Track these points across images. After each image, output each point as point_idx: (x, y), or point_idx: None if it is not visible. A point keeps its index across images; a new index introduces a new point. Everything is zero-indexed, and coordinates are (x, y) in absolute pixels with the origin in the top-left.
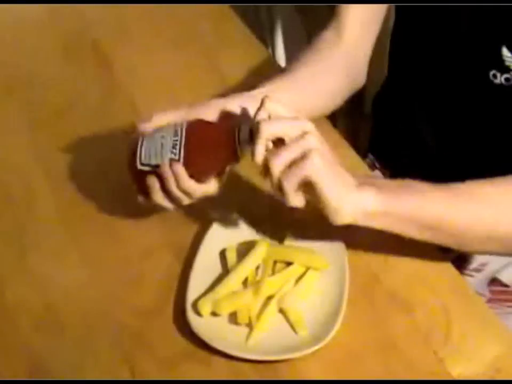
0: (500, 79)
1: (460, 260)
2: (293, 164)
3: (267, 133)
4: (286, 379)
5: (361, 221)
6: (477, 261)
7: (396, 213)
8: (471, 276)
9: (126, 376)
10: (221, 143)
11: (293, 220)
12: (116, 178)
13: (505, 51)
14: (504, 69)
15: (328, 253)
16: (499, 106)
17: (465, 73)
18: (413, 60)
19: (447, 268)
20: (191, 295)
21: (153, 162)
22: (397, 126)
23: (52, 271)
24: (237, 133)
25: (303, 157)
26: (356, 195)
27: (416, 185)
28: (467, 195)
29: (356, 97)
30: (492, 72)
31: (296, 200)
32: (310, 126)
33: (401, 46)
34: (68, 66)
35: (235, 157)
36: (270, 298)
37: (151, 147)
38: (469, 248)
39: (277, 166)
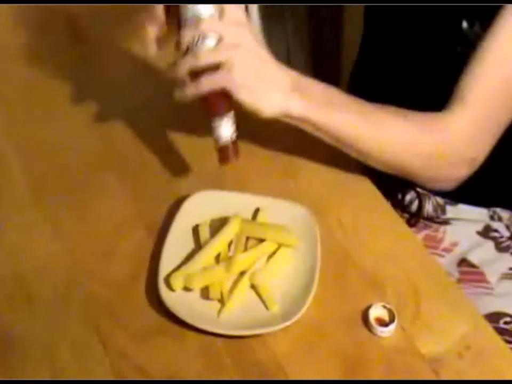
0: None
1: (430, 239)
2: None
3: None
4: (256, 353)
5: (282, 118)
6: (447, 241)
7: (313, 121)
8: (441, 256)
9: (98, 349)
10: None
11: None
12: (88, 151)
13: (465, 25)
14: (467, 43)
15: (300, 230)
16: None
17: (431, 50)
18: (382, 40)
19: (418, 247)
20: (163, 269)
21: None
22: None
23: (23, 243)
24: None
25: (225, 65)
26: (280, 96)
27: (340, 100)
28: (379, 124)
29: (331, 77)
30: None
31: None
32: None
33: (371, 27)
34: (42, 40)
35: None
36: (242, 274)
37: None
38: (370, 163)
39: (187, 65)
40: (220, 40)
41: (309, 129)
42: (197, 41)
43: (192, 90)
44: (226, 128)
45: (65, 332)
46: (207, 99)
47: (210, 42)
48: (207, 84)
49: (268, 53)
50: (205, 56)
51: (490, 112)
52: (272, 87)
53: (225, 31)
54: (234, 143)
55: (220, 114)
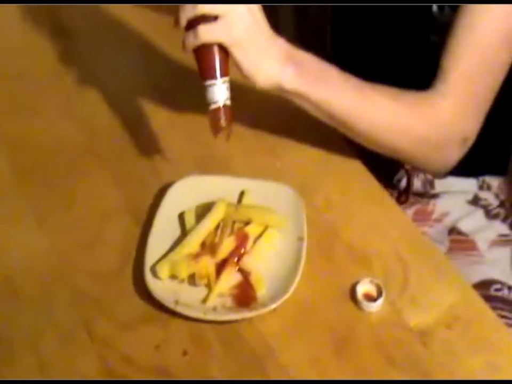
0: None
1: (420, 213)
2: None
3: None
4: (246, 337)
5: (276, 92)
6: (437, 212)
7: (307, 97)
8: (431, 226)
9: (84, 338)
10: None
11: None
12: (71, 141)
13: (435, 9)
14: (438, 28)
15: (286, 210)
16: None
17: (403, 37)
18: (354, 31)
19: (404, 219)
20: (150, 258)
21: None
22: None
23: (7, 237)
24: None
25: (225, 18)
26: (275, 69)
27: (335, 77)
28: (371, 104)
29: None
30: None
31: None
32: None
33: (341, 18)
34: (25, 35)
35: None
36: (228, 258)
37: None
38: (361, 142)
39: (187, 12)
40: None
41: (301, 103)
42: None
43: (190, 39)
44: (221, 91)
45: (51, 324)
46: (203, 57)
47: None
48: (204, 32)
49: (266, 21)
50: (204, 5)
51: (475, 90)
52: (268, 54)
53: None
54: (227, 108)
55: (216, 75)
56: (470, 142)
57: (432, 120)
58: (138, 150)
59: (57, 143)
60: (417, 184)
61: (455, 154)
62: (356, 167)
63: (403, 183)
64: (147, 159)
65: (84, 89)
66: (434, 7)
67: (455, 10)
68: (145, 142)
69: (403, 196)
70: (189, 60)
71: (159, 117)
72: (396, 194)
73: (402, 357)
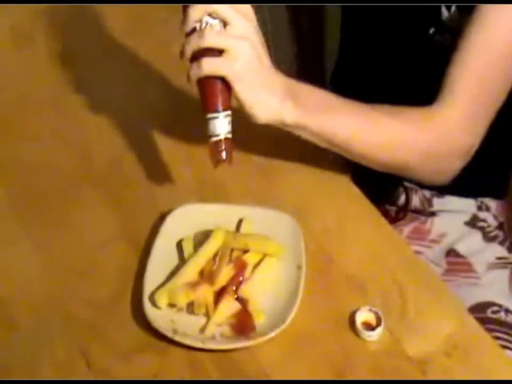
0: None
1: (417, 231)
2: (215, 56)
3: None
4: (244, 366)
5: (277, 125)
6: (435, 232)
7: (309, 128)
8: (429, 247)
9: (82, 368)
10: None
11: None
12: (69, 167)
13: (443, 10)
14: (444, 28)
15: (284, 238)
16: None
17: (411, 39)
18: (361, 33)
19: (402, 246)
20: (148, 286)
21: None
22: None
23: (3, 264)
24: None
25: (229, 53)
26: (275, 104)
27: (335, 105)
28: (374, 125)
29: (315, 75)
30: (431, 30)
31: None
32: (251, 14)
33: (350, 20)
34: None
35: None
36: (227, 287)
37: None
38: (366, 164)
39: (192, 45)
40: (226, 27)
41: (303, 135)
42: (203, 25)
43: (194, 70)
44: (222, 125)
45: (48, 353)
46: (206, 89)
47: (216, 27)
48: (208, 65)
49: (267, 55)
50: (211, 37)
51: (480, 102)
52: (269, 90)
53: (235, 19)
54: (228, 141)
55: (218, 108)
56: (472, 152)
57: (436, 131)
58: (136, 177)
59: (52, 169)
60: (415, 201)
61: (457, 165)
62: (352, 191)
63: (401, 200)
64: (144, 187)
65: (79, 114)
66: (443, 8)
67: (462, 11)
68: (143, 169)
69: (401, 213)
70: (188, 88)
71: (157, 144)
72: (394, 211)
73: None
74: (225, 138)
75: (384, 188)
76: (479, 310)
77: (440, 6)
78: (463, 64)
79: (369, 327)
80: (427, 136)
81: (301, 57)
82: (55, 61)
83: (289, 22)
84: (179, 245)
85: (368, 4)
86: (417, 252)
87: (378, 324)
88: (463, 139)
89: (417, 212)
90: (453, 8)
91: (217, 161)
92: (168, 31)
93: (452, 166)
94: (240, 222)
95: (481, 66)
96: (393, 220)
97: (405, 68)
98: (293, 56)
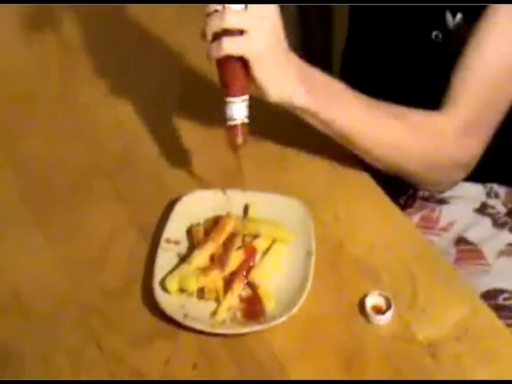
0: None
1: (426, 219)
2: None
3: None
4: (255, 351)
5: (286, 107)
6: (444, 220)
7: (316, 115)
8: (438, 235)
9: (95, 355)
10: None
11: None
12: (79, 160)
13: (448, 16)
14: (447, 31)
15: (294, 224)
16: (442, 67)
17: (411, 34)
18: (367, 32)
19: (411, 231)
20: (158, 272)
21: None
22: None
23: (17, 256)
24: None
25: (249, 32)
26: (288, 86)
27: (344, 96)
28: (380, 124)
29: (323, 59)
30: (434, 33)
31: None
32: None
33: (358, 13)
34: (30, 55)
35: None
36: (237, 272)
37: None
38: (366, 159)
39: (213, 26)
40: (247, 6)
41: (310, 120)
42: (224, 4)
43: (214, 50)
44: (239, 109)
45: (61, 342)
46: (226, 72)
47: (237, 7)
48: (228, 45)
49: (284, 38)
50: (231, 18)
51: (484, 114)
52: (284, 71)
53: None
54: (244, 126)
55: (236, 92)
56: (474, 163)
57: (438, 143)
58: (145, 166)
59: (63, 162)
60: None
61: (457, 176)
62: (364, 180)
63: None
64: (152, 175)
65: (89, 108)
66: (448, 14)
67: (467, 19)
68: (152, 157)
69: (410, 200)
70: (197, 75)
71: (165, 133)
72: (403, 199)
73: (411, 370)
74: (242, 123)
75: (394, 178)
76: (491, 297)
77: (444, 11)
78: (467, 73)
79: (379, 311)
80: (428, 147)
81: (307, 48)
82: (64, 56)
83: (297, 13)
84: (189, 232)
85: (373, 4)
86: None
87: (388, 308)
88: (463, 151)
89: (425, 199)
90: (459, 15)
91: (233, 145)
92: (176, 20)
93: (452, 176)
94: (249, 207)
95: (486, 75)
96: (402, 208)
97: (409, 66)
98: (299, 48)
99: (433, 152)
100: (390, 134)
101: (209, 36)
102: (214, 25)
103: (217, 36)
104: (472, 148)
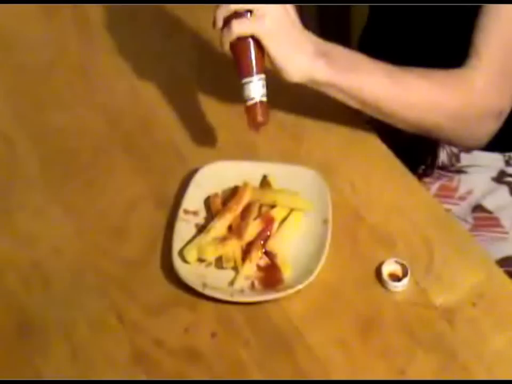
0: None
1: (445, 188)
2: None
3: None
4: (273, 319)
5: (309, 84)
6: (462, 189)
7: (340, 86)
8: (456, 204)
9: (115, 324)
10: None
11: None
12: (98, 131)
13: None
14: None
15: (311, 194)
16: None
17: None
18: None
19: (427, 199)
20: (177, 242)
21: None
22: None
23: (37, 227)
24: None
25: (257, 11)
26: (306, 62)
27: (365, 65)
28: (404, 86)
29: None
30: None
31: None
32: None
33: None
34: (48, 29)
35: None
36: (255, 241)
37: None
38: (397, 125)
39: (222, 11)
40: None
41: (334, 93)
42: None
43: (225, 35)
44: (257, 88)
45: (82, 310)
46: (239, 54)
47: None
48: (238, 26)
49: (296, 16)
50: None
51: (508, 62)
52: (299, 47)
53: None
54: (263, 104)
55: (252, 72)
56: (505, 114)
57: (466, 94)
58: (164, 138)
59: (81, 133)
60: (442, 157)
61: (490, 128)
62: (380, 149)
63: (429, 156)
64: (171, 147)
65: (108, 79)
66: None
67: None
68: (170, 129)
69: (428, 169)
70: (217, 49)
71: (183, 105)
72: (421, 168)
73: (428, 336)
74: (261, 102)
75: (412, 147)
76: (507, 264)
77: None
78: (486, 29)
79: (396, 278)
80: (456, 100)
81: (325, 22)
82: (82, 28)
83: None
84: (207, 202)
85: None
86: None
87: (405, 275)
88: (491, 102)
89: (444, 168)
90: None
91: (254, 124)
92: None
93: (485, 129)
94: (266, 177)
95: (504, 28)
96: (420, 177)
97: (432, 30)
98: (317, 23)
99: (464, 104)
100: (417, 94)
101: (220, 22)
102: (223, 11)
103: (227, 22)
104: (502, 95)
